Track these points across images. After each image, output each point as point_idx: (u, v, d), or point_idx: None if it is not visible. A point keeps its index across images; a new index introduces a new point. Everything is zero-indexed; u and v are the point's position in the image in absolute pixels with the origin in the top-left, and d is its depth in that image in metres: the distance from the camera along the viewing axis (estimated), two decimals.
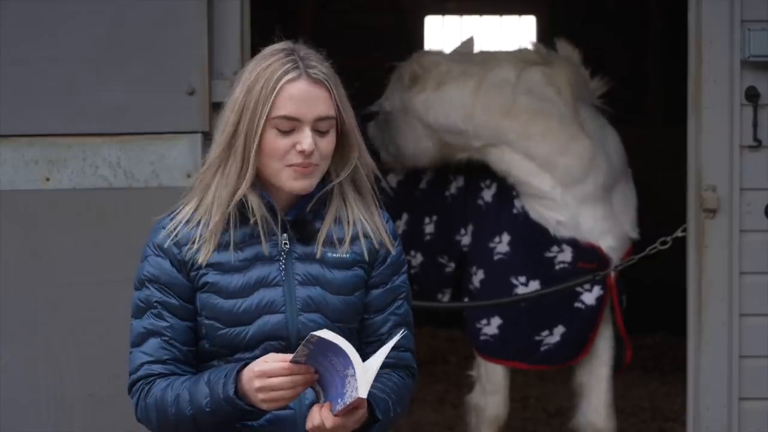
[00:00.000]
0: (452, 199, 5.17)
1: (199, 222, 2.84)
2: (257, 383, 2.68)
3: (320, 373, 2.68)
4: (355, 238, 2.88)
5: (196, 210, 2.85)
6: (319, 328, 2.81)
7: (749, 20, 4.52)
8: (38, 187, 4.39)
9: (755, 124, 4.54)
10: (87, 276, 4.37)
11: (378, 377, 2.82)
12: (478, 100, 4.97)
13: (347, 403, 2.62)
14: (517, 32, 10.85)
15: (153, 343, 2.84)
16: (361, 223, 2.90)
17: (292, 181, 2.81)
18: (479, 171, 5.05)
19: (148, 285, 2.85)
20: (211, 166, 2.84)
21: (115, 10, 4.36)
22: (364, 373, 2.61)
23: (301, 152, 2.79)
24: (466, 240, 5.08)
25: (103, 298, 4.32)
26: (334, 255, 2.86)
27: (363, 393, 2.60)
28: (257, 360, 2.71)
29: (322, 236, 2.86)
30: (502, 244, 4.92)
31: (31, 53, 4.35)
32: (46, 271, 4.38)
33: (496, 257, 4.92)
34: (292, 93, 2.79)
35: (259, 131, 2.79)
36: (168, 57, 4.37)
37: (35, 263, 4.38)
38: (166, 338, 2.84)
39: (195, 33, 4.36)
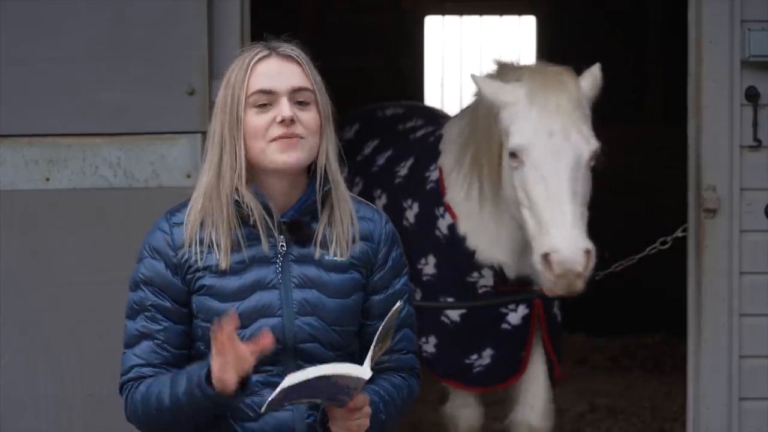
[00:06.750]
0: None
1: (201, 224, 2.83)
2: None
3: (315, 398, 2.70)
4: (350, 241, 2.88)
5: (195, 213, 2.84)
6: (316, 331, 2.81)
7: (749, 20, 4.52)
8: (38, 187, 4.39)
9: (755, 124, 4.54)
10: (87, 276, 4.37)
11: (373, 380, 2.84)
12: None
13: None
14: (517, 32, 10.85)
15: (145, 346, 2.85)
16: (355, 225, 2.89)
17: (278, 155, 2.80)
18: (401, 190, 4.94)
19: (143, 287, 2.85)
20: (207, 168, 2.85)
21: (115, 10, 4.37)
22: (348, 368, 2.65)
23: (282, 122, 2.78)
24: None
25: (103, 298, 4.32)
26: (331, 258, 2.86)
27: (367, 373, 2.64)
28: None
29: (318, 238, 2.86)
30: (428, 266, 4.83)
31: (31, 53, 4.36)
32: (46, 271, 4.38)
33: (424, 278, 4.83)
34: (264, 69, 2.82)
35: (241, 114, 2.80)
36: (168, 57, 4.37)
37: (35, 263, 4.38)
38: (159, 342, 2.84)
39: (195, 33, 4.36)
